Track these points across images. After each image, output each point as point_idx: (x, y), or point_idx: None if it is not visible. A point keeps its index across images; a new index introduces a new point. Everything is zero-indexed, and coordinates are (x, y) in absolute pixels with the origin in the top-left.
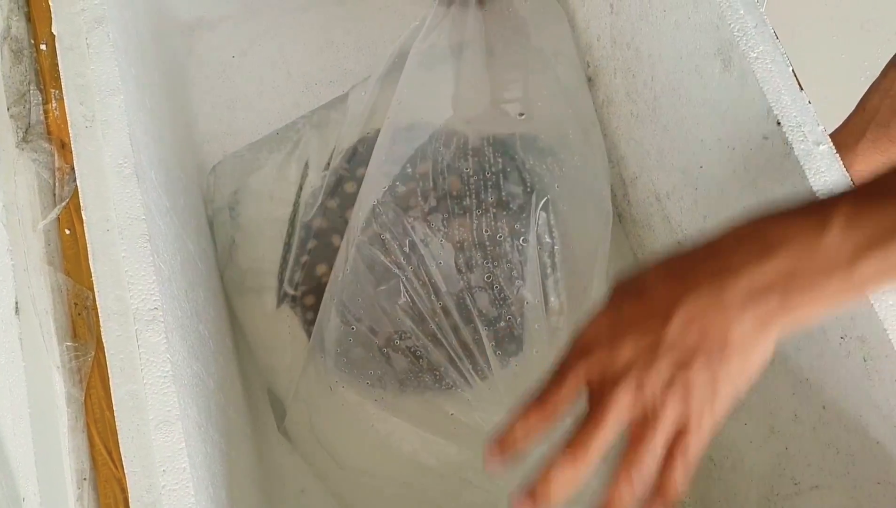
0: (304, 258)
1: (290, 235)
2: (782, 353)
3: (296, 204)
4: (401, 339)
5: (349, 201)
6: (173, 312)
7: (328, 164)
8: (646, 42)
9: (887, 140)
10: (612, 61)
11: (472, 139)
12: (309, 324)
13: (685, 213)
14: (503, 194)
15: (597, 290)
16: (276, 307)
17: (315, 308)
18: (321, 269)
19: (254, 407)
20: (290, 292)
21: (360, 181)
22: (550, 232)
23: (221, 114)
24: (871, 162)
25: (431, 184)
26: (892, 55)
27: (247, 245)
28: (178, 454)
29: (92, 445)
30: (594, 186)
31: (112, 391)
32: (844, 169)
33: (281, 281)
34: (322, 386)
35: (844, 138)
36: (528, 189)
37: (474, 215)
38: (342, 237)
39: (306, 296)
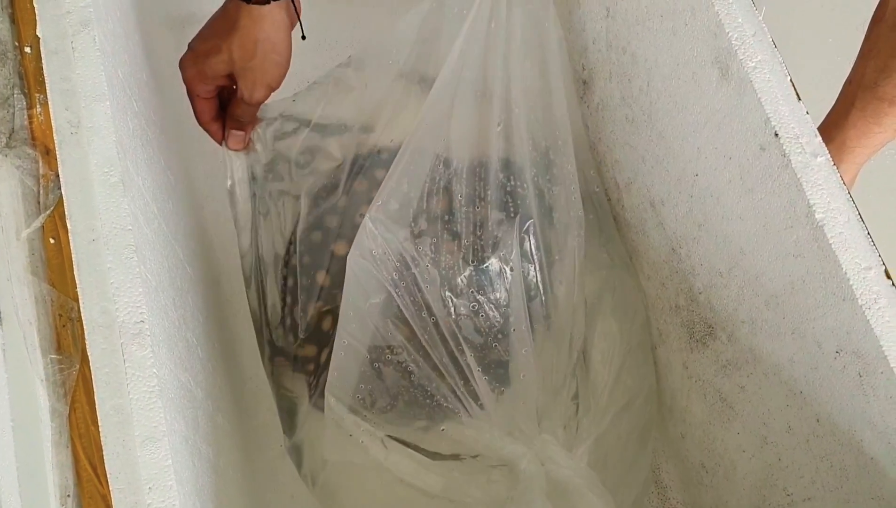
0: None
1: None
2: (776, 364)
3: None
4: (392, 354)
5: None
6: (160, 323)
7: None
8: (642, 47)
9: (876, 102)
10: (607, 65)
11: (467, 162)
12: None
13: (679, 221)
14: (490, 219)
15: (578, 297)
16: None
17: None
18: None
19: (243, 411)
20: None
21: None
22: (533, 255)
23: None
24: (864, 133)
25: (424, 205)
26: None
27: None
28: (164, 471)
29: (76, 460)
30: (572, 198)
31: (97, 406)
32: (841, 181)
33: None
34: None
35: (835, 114)
36: (512, 213)
37: (462, 241)
38: (327, 272)
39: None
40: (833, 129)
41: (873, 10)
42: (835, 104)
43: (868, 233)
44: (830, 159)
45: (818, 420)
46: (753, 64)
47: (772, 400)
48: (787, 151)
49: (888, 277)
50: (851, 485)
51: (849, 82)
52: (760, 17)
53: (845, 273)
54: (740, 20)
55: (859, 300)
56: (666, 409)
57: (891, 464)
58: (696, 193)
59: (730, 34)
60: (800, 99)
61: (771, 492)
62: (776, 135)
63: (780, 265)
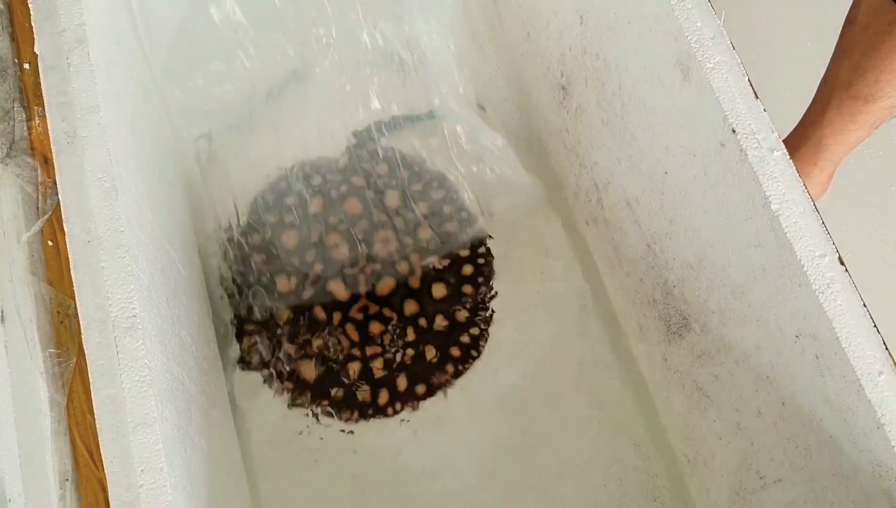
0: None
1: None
2: (745, 351)
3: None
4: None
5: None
6: (153, 319)
7: None
8: (613, 52)
9: (851, 100)
10: (583, 71)
11: None
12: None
13: (653, 217)
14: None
15: None
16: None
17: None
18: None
19: (240, 410)
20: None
21: None
22: None
23: (204, 121)
24: (840, 131)
25: None
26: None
27: None
28: (155, 454)
29: (74, 447)
30: None
31: (93, 396)
32: (797, 174)
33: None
34: None
35: (811, 113)
36: None
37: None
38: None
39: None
40: (810, 127)
41: (843, 11)
42: (811, 104)
43: (822, 222)
44: (786, 154)
45: (783, 404)
46: (712, 65)
47: (743, 387)
48: (744, 147)
49: (841, 263)
50: (815, 464)
51: (824, 82)
52: (720, 22)
53: (800, 261)
54: (699, 24)
55: (813, 286)
56: (649, 403)
57: (847, 441)
58: (667, 189)
59: (689, 37)
60: (757, 97)
61: (746, 476)
62: (734, 131)
63: (743, 256)
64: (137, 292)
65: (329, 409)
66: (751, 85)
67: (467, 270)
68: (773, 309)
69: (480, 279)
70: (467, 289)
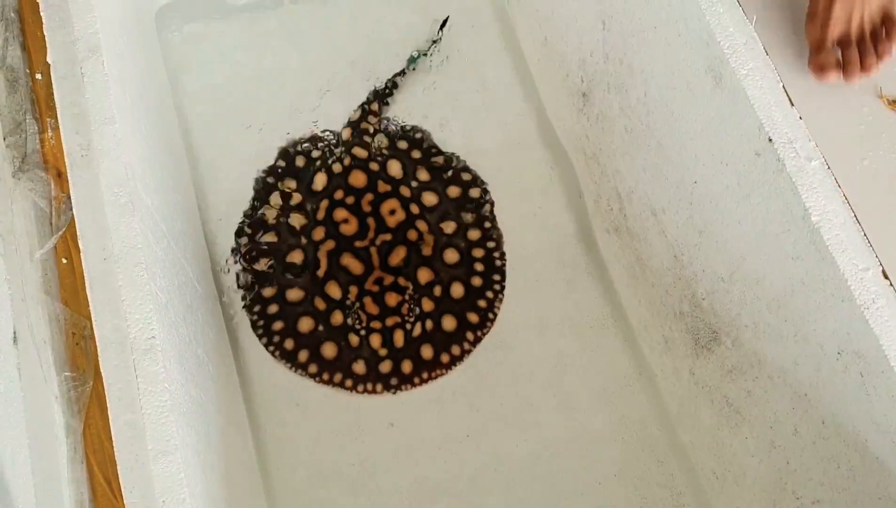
0: None
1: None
2: (781, 367)
3: None
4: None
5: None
6: (171, 339)
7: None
8: (638, 58)
9: None
10: (605, 77)
11: None
12: None
13: (680, 227)
14: None
15: None
16: None
17: None
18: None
19: (255, 424)
20: None
21: None
22: None
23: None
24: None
25: None
26: None
27: None
28: (177, 484)
29: (91, 475)
30: None
31: (111, 422)
32: (836, 184)
33: None
34: None
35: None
36: None
37: None
38: None
39: None
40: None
41: None
42: None
43: (864, 234)
44: (825, 163)
45: (823, 422)
46: (745, 71)
47: (778, 404)
48: (781, 156)
49: (885, 277)
50: (859, 486)
51: None
52: (752, 26)
53: (843, 275)
54: (731, 29)
55: (858, 301)
56: (674, 417)
57: None
58: (696, 199)
59: (721, 43)
60: (792, 105)
61: (781, 496)
62: (770, 140)
63: (779, 269)
64: (156, 311)
65: (349, 385)
66: (785, 92)
67: (474, 235)
68: (813, 324)
69: (491, 244)
70: (478, 252)
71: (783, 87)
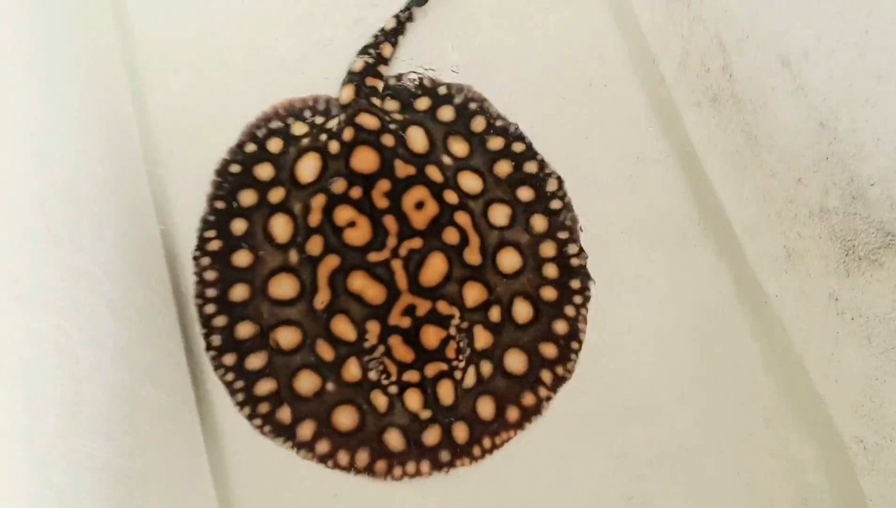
0: None
1: None
2: None
3: None
4: None
5: None
6: None
7: None
8: None
9: None
10: None
11: None
12: None
13: (839, 77)
14: None
15: None
16: None
17: None
18: None
19: None
20: None
21: None
22: None
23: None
24: None
25: None
26: None
27: None
28: None
29: None
30: None
31: None
32: None
33: None
34: None
35: None
36: None
37: None
38: None
39: None
40: None
41: None
42: None
43: None
44: None
45: None
46: None
47: None
48: None
49: None
50: None
51: None
52: None
53: None
54: None
55: None
56: (793, 359)
57: None
58: (874, 26)
59: None
60: None
61: None
62: None
63: None
64: None
65: (381, 470)
66: None
67: (539, 224)
68: None
69: (563, 235)
70: (547, 249)
71: None
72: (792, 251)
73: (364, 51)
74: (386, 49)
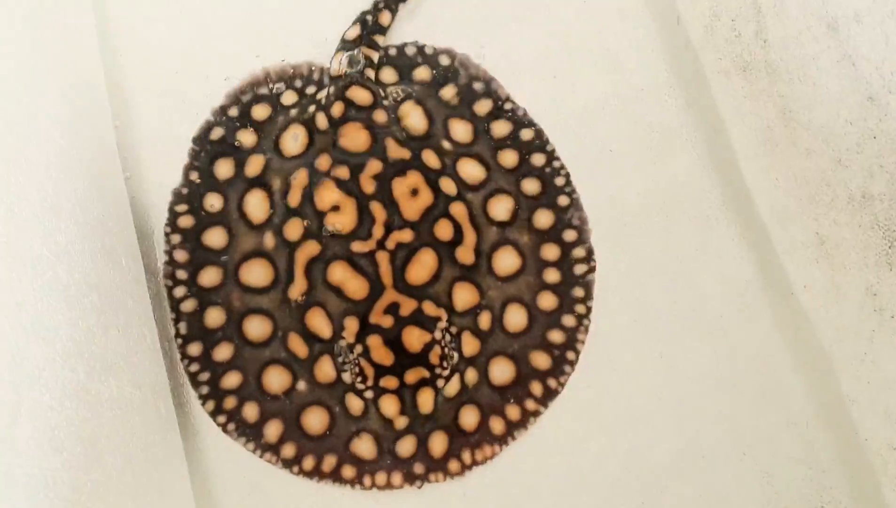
0: None
1: None
2: None
3: None
4: None
5: None
6: None
7: None
8: None
9: None
10: None
11: None
12: None
13: (893, 44)
14: None
15: None
16: None
17: None
18: None
19: None
20: None
21: None
22: None
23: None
24: None
25: None
26: None
27: None
28: None
29: None
30: None
31: None
32: None
33: None
34: None
35: None
36: None
37: None
38: None
39: None
40: None
41: None
42: None
43: None
44: None
45: None
46: None
47: None
48: None
49: None
50: None
51: None
52: None
53: None
54: None
55: None
56: (823, 357)
57: None
58: None
59: None
60: None
61: None
62: None
63: None
64: None
65: (349, 477)
66: None
67: (543, 221)
68: None
69: (570, 236)
70: (550, 252)
71: None
72: (825, 239)
73: (361, 18)
74: (384, 17)
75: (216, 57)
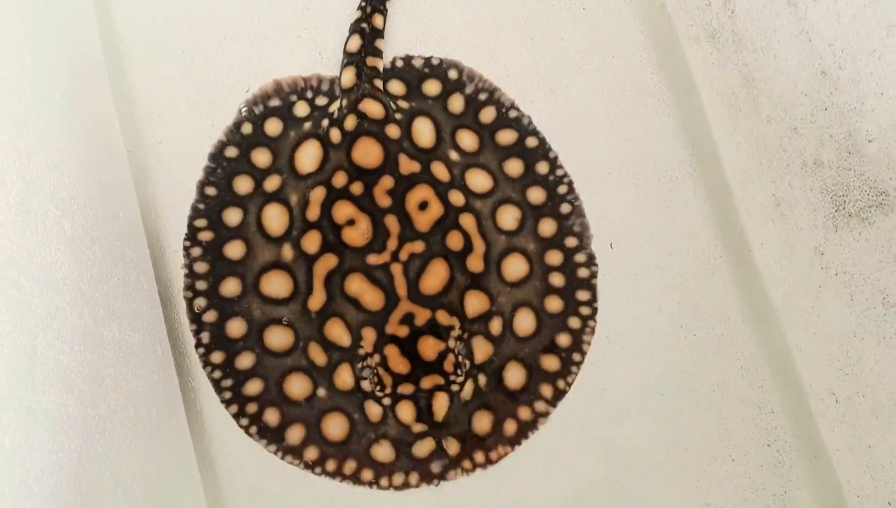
0: None
1: None
2: None
3: None
4: None
5: None
6: None
7: None
8: None
9: None
10: None
11: None
12: None
13: (848, 22)
14: None
15: None
16: None
17: None
18: None
19: None
20: None
21: None
22: None
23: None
24: None
25: None
26: None
27: None
28: None
29: None
30: None
31: None
32: None
33: None
34: None
35: None
36: None
37: None
38: None
39: None
40: None
41: None
42: None
43: None
44: None
45: None
46: None
47: None
48: None
49: None
50: None
51: None
52: None
53: None
54: None
55: None
56: (775, 310)
57: None
58: None
59: None
60: None
61: None
62: None
63: None
64: None
65: (368, 479)
66: None
67: (547, 229)
68: None
69: (572, 242)
70: (554, 257)
71: None
72: (781, 201)
73: (356, 27)
74: (377, 20)
75: (222, 69)
